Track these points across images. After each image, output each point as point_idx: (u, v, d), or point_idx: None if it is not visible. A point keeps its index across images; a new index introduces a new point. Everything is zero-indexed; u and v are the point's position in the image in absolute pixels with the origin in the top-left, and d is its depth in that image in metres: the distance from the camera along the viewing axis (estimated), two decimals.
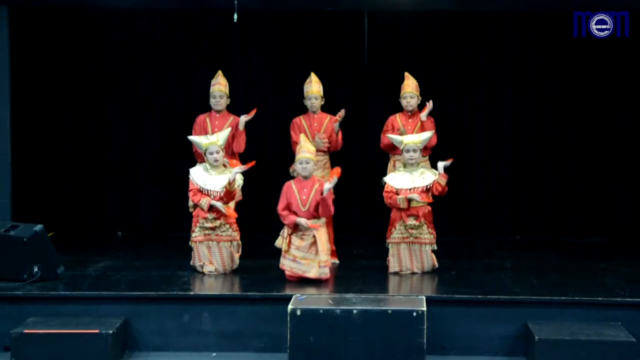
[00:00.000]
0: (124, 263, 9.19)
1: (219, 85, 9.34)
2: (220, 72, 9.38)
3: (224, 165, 8.78)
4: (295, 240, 8.33)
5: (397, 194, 8.63)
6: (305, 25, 10.98)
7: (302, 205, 8.34)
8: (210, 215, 8.54)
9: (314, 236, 8.31)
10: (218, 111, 9.33)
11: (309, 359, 7.16)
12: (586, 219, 10.97)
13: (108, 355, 7.24)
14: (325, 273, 8.29)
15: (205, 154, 8.66)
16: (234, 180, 8.47)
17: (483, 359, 7.58)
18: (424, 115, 9.26)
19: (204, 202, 8.51)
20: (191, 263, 8.69)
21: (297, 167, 8.48)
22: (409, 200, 8.60)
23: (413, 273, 8.65)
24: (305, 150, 8.45)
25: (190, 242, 8.69)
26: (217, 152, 8.62)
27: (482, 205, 11.08)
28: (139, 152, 11.12)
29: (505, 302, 7.72)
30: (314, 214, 8.35)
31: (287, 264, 8.33)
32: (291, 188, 8.44)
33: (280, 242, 8.41)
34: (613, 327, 7.42)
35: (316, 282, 8.20)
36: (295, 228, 8.34)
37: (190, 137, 8.86)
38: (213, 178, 8.59)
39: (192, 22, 10.96)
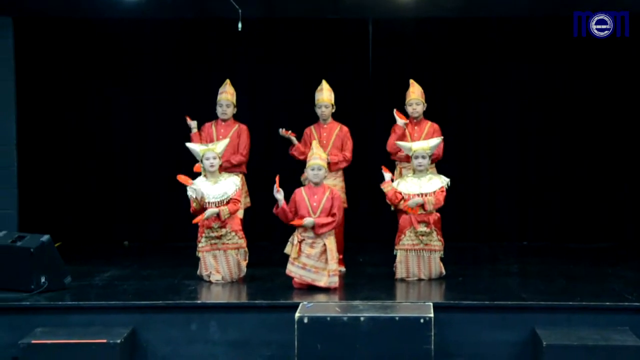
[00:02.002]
0: (130, 272, 9.20)
1: (226, 94, 9.35)
2: (228, 81, 9.39)
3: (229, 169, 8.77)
4: (305, 248, 8.32)
5: (403, 199, 8.65)
6: (309, 34, 11.00)
7: (312, 212, 8.34)
8: (215, 225, 8.54)
9: (324, 244, 8.31)
10: (224, 120, 9.35)
11: None
12: (593, 224, 10.96)
13: None
14: (335, 282, 8.28)
15: (202, 160, 8.67)
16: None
17: None
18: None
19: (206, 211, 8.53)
20: (198, 273, 8.69)
21: (309, 174, 8.48)
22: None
23: (420, 279, 8.65)
24: (317, 157, 8.46)
25: (197, 253, 8.69)
26: (214, 158, 8.62)
27: (489, 211, 11.08)
28: (144, 162, 11.14)
29: (512, 307, 7.71)
30: None
31: (295, 271, 8.33)
32: (301, 194, 8.45)
33: (289, 249, 8.41)
34: (621, 331, 7.41)
35: (323, 290, 8.20)
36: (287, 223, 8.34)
37: (188, 145, 8.87)
38: (209, 188, 8.58)
39: (196, 31, 10.99)
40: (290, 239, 8.43)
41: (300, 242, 8.34)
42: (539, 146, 11.00)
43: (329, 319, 7.23)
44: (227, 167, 9.12)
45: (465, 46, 10.96)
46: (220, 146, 8.73)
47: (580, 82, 10.88)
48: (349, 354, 7.17)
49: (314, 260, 8.28)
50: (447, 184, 8.72)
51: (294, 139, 9.23)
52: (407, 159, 9.00)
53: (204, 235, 8.59)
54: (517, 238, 11.04)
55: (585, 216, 10.97)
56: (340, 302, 7.83)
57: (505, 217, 11.07)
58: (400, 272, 8.66)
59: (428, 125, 9.33)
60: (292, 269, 8.34)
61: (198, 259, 8.68)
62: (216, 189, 8.58)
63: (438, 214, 8.69)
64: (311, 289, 8.22)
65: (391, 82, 10.77)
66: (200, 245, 8.62)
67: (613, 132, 10.89)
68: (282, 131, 9.20)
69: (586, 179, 10.96)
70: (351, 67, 11.01)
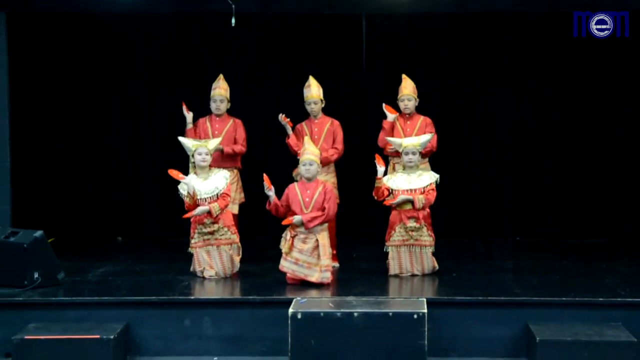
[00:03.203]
0: (124, 268, 9.19)
1: (220, 90, 9.35)
2: (221, 76, 9.39)
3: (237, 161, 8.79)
4: (297, 243, 8.32)
5: (391, 193, 8.66)
6: (303, 29, 10.98)
7: (305, 208, 8.35)
8: (207, 221, 8.53)
9: (316, 240, 8.31)
10: (218, 115, 9.35)
11: None
12: (586, 220, 10.97)
13: None
14: (327, 277, 8.28)
15: (193, 155, 8.65)
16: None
17: None
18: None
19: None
20: (191, 269, 8.68)
21: (301, 169, 8.49)
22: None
23: (413, 275, 8.65)
24: (309, 153, 8.46)
25: (189, 249, 8.69)
26: (206, 154, 8.62)
27: (482, 207, 11.08)
28: (138, 157, 11.13)
29: (506, 303, 7.73)
30: None
31: (288, 267, 8.32)
32: (294, 190, 8.45)
33: (283, 244, 8.42)
34: (614, 327, 7.43)
35: (317, 286, 8.20)
36: (292, 226, 8.33)
37: (180, 139, 8.85)
38: (200, 184, 8.56)
39: (191, 26, 10.98)
40: (284, 235, 8.44)
41: (292, 237, 8.34)
42: (533, 142, 11.00)
43: (322, 314, 7.24)
44: (227, 155, 9.11)
45: (459, 42, 10.95)
46: (212, 143, 8.73)
47: (579, 82, 10.87)
48: (342, 349, 7.18)
49: (307, 256, 8.28)
50: (437, 181, 8.73)
51: (289, 128, 9.21)
52: (398, 154, 8.99)
53: (196, 231, 8.58)
54: (511, 234, 11.04)
55: (578, 212, 10.97)
56: (333, 298, 7.83)
57: (499, 213, 11.08)
58: (393, 268, 8.67)
59: (420, 119, 9.34)
60: (284, 264, 8.34)
61: (191, 254, 8.67)
62: (207, 184, 8.57)
63: (428, 210, 8.69)
64: (304, 285, 8.22)
65: (384, 78, 10.74)
66: (193, 241, 8.61)
67: (609, 130, 10.88)
68: (281, 116, 9.17)
69: (580, 176, 10.96)
70: (345, 62, 11.00)
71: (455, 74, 10.99)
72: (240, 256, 8.71)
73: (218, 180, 8.62)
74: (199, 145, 8.64)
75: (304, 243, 8.32)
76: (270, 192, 8.35)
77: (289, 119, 9.18)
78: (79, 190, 11.08)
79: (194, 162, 8.68)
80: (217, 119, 9.36)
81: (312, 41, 11.00)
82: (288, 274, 8.33)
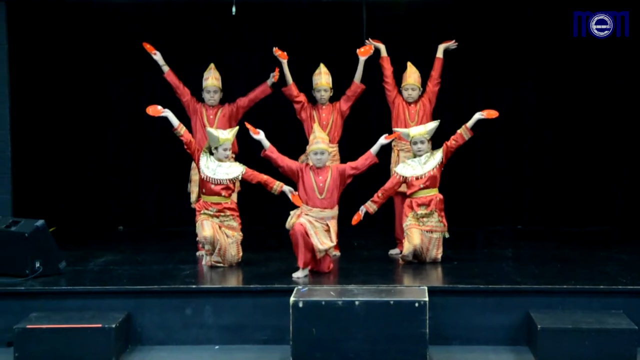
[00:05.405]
0: (125, 257, 9.20)
1: (212, 79, 9.34)
2: (212, 65, 9.37)
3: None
4: (310, 218, 8.27)
5: (405, 182, 8.71)
6: (303, 17, 10.96)
7: (319, 193, 8.34)
8: (212, 209, 8.53)
9: (327, 225, 8.29)
10: (212, 106, 9.35)
11: (311, 351, 7.17)
12: (588, 208, 10.97)
13: (111, 350, 7.26)
14: (335, 255, 8.28)
15: (218, 148, 8.61)
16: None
17: (486, 348, 7.60)
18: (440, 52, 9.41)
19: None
20: (197, 235, 8.61)
21: (312, 158, 8.47)
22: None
23: (419, 261, 8.64)
24: (320, 141, 8.44)
25: (196, 220, 8.68)
26: (230, 150, 8.65)
27: (483, 195, 11.09)
28: (139, 146, 11.13)
29: (507, 291, 7.73)
30: (331, 203, 8.35)
31: (302, 221, 8.18)
32: (307, 172, 8.41)
33: (290, 223, 8.36)
34: (615, 315, 7.45)
35: (318, 274, 8.20)
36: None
37: (210, 129, 8.75)
38: (223, 169, 8.57)
39: (191, 16, 10.95)
40: (293, 212, 8.41)
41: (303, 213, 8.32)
42: (534, 132, 11.00)
43: (323, 303, 7.23)
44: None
45: (460, 30, 10.91)
46: (233, 134, 8.72)
47: (579, 82, 10.86)
48: (343, 337, 7.18)
49: (320, 230, 8.24)
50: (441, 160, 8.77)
51: (285, 63, 9.31)
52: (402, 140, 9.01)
53: (202, 212, 8.56)
54: (512, 222, 11.04)
55: (579, 200, 10.98)
56: (335, 287, 7.84)
57: (500, 202, 11.08)
58: (407, 247, 8.61)
59: (419, 104, 9.35)
60: (300, 219, 8.20)
61: (195, 236, 8.65)
62: (221, 169, 8.55)
63: (440, 196, 8.73)
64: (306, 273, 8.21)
65: None
66: (199, 219, 8.60)
67: (608, 125, 10.90)
68: (275, 50, 9.28)
69: (581, 164, 10.96)
70: (345, 50, 10.96)
71: (455, 62, 10.95)
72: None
73: (235, 166, 8.61)
74: (226, 140, 8.59)
75: (316, 221, 8.27)
76: (259, 136, 8.42)
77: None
78: (80, 179, 11.09)
79: (210, 150, 8.66)
80: (211, 108, 9.36)
81: (313, 29, 10.98)
82: (297, 225, 8.15)
